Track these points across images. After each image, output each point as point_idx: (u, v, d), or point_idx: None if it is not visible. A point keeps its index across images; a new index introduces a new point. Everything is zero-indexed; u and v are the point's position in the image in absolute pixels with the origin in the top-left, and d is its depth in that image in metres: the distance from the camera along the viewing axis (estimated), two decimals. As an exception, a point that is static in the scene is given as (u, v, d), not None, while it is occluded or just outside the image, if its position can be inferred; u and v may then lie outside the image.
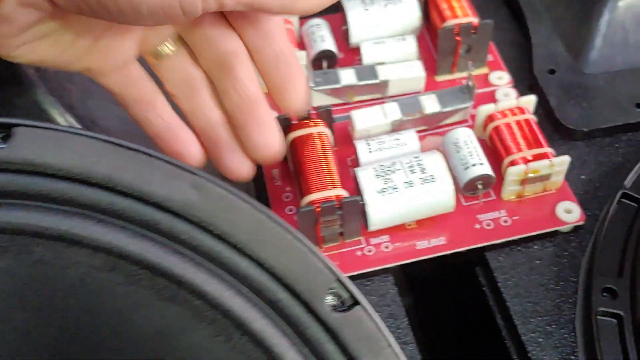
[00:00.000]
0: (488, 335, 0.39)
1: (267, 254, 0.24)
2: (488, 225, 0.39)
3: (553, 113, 0.42)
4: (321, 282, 0.24)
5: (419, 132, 0.41)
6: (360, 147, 0.40)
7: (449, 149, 0.40)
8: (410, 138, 0.40)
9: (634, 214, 0.38)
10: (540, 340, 0.36)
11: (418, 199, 0.37)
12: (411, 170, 0.37)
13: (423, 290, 0.44)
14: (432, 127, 0.43)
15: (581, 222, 0.38)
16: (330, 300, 0.24)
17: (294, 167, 0.38)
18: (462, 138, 0.39)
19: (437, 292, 0.47)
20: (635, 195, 0.38)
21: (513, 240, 0.38)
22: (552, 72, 0.44)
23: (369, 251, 0.38)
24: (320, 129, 0.39)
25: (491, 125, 0.40)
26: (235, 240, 0.24)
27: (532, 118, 0.40)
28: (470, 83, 0.41)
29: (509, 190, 0.39)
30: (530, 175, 0.38)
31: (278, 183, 0.41)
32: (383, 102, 0.42)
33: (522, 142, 0.39)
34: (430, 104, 0.41)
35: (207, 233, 0.24)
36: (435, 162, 0.38)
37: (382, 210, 0.37)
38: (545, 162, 0.38)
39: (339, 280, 0.24)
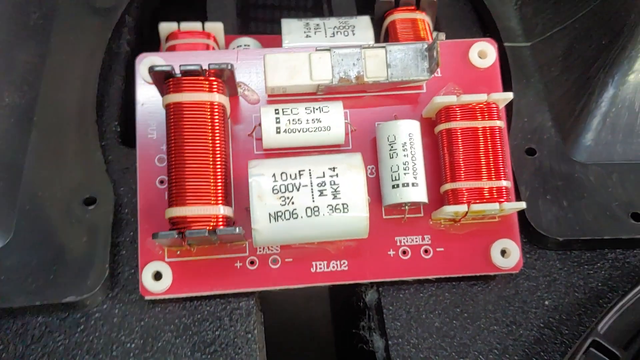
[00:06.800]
0: None
1: None
2: (405, 253, 0.32)
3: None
4: None
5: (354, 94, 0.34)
6: (267, 118, 0.32)
7: (382, 147, 0.32)
8: (335, 122, 0.32)
9: (605, 374, 0.28)
10: None
11: (321, 228, 0.30)
12: (320, 191, 0.29)
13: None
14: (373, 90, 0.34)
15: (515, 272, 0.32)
16: None
17: (167, 149, 0.31)
18: (401, 137, 0.32)
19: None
20: (609, 348, 0.28)
21: (428, 280, 0.33)
22: (531, 152, 0.34)
23: (251, 264, 0.32)
24: (215, 97, 0.30)
25: (444, 126, 0.32)
26: None
27: (500, 126, 0.32)
28: (435, 49, 0.31)
29: (440, 217, 0.32)
30: (471, 214, 0.31)
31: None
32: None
33: (474, 165, 0.31)
34: (375, 67, 0.32)
35: None
36: (353, 185, 0.29)
37: (272, 236, 0.30)
38: (494, 206, 0.31)
39: None
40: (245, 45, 0.38)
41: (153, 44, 0.39)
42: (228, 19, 0.41)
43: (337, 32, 0.37)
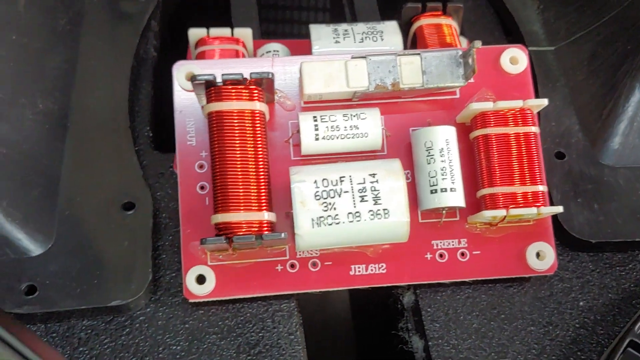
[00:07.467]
0: None
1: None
2: (441, 256, 0.33)
3: (554, 212, 0.33)
4: None
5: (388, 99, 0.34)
6: (306, 126, 0.32)
7: (418, 153, 0.33)
8: (372, 129, 0.32)
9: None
10: None
11: (362, 233, 0.30)
12: (361, 197, 0.30)
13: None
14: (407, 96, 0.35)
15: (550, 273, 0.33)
16: None
17: (210, 157, 0.31)
18: (438, 142, 0.32)
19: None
20: (648, 347, 0.29)
21: (464, 282, 0.33)
22: (560, 156, 0.35)
23: (292, 267, 0.32)
24: (256, 105, 0.31)
25: (480, 132, 0.33)
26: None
27: (535, 132, 0.32)
28: (472, 56, 0.32)
29: (477, 221, 0.33)
30: (509, 218, 0.32)
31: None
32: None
33: (511, 170, 0.32)
34: (411, 73, 0.33)
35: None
36: (393, 190, 0.30)
37: (314, 241, 0.30)
38: (532, 210, 0.31)
39: None
40: (274, 51, 0.39)
41: (176, 49, 0.40)
42: (253, 23, 0.41)
43: (365, 37, 0.37)
